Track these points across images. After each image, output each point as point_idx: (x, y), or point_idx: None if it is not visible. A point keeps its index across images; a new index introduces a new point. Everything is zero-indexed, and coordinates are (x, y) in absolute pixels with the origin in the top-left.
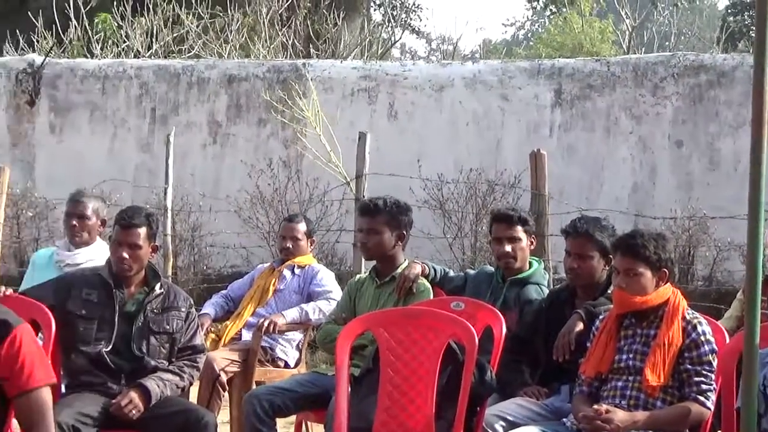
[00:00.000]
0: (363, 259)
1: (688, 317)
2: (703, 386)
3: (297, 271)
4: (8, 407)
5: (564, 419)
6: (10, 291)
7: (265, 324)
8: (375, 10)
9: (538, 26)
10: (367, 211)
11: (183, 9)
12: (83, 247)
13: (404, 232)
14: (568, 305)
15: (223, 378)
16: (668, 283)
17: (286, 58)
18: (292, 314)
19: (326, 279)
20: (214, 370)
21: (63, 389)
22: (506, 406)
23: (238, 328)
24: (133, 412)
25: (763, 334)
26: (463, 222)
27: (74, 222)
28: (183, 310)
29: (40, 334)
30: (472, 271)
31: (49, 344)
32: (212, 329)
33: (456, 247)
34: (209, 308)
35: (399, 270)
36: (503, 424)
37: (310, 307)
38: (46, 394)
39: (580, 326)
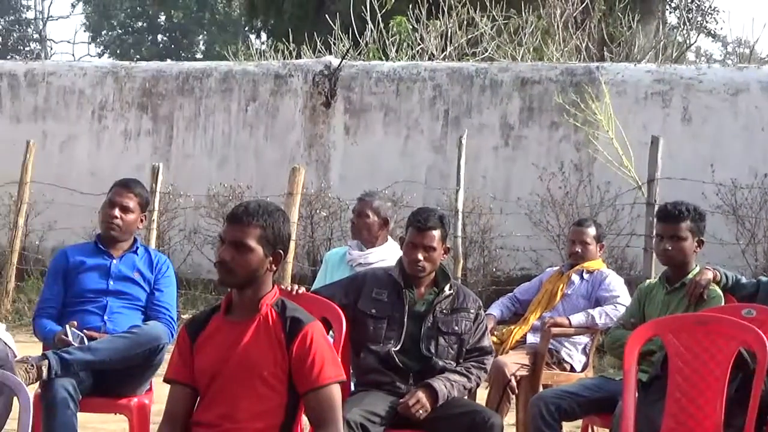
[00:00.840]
0: (653, 264)
1: None
2: None
3: (586, 276)
4: (298, 403)
5: None
6: (302, 289)
7: (549, 322)
8: (670, 12)
9: None
10: (671, 217)
11: (477, 11)
12: (370, 245)
13: (703, 239)
14: None
15: (514, 383)
16: None
17: (579, 61)
18: (578, 318)
19: (615, 284)
20: (505, 375)
21: (352, 387)
22: None
23: (524, 332)
24: (420, 411)
25: None
26: (756, 228)
27: (353, 219)
28: (472, 311)
29: (330, 332)
30: (765, 278)
31: (339, 342)
32: (495, 331)
33: (749, 253)
34: (495, 309)
35: (690, 276)
36: None
37: (597, 311)
38: (336, 391)
39: None
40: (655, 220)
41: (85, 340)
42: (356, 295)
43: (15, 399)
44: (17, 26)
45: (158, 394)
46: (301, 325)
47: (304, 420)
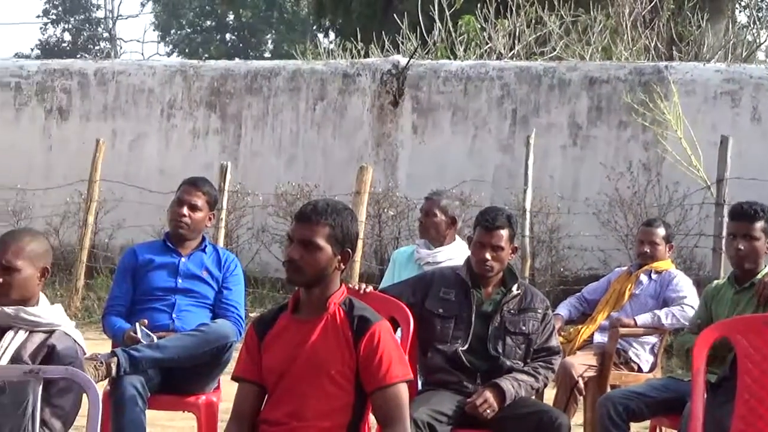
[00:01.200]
0: (722, 265)
1: None
2: None
3: (654, 276)
4: (366, 402)
5: None
6: (370, 288)
7: (615, 323)
8: (740, 11)
9: None
10: (745, 216)
11: (545, 10)
12: (438, 244)
13: None
14: None
15: (581, 384)
16: None
17: (648, 60)
18: (644, 319)
19: (682, 284)
20: (572, 376)
21: (419, 386)
22: None
23: (591, 332)
24: (488, 411)
25: None
26: None
27: (421, 218)
28: (539, 311)
29: (398, 331)
30: None
31: (406, 341)
32: (562, 331)
33: None
34: (563, 309)
35: (759, 276)
36: None
37: (663, 312)
38: (403, 391)
39: None
40: (726, 219)
41: (155, 339)
42: (424, 294)
43: (84, 396)
44: (87, 25)
45: (226, 392)
46: (369, 323)
47: (372, 419)
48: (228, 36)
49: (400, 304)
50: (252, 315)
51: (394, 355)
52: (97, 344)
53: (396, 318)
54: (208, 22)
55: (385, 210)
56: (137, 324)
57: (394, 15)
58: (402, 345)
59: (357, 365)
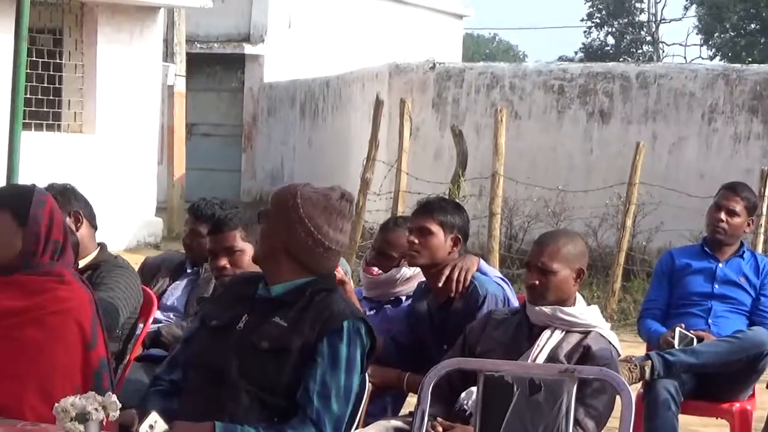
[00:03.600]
0: None
1: None
2: None
3: None
4: None
5: None
6: None
7: None
8: None
9: None
10: None
11: None
12: None
13: None
14: None
15: None
16: None
17: None
18: None
19: None
20: None
21: None
22: None
23: None
24: None
25: None
26: None
27: None
28: None
29: None
30: None
31: None
32: None
33: None
34: None
35: None
36: None
37: None
38: None
39: None
40: None
41: (695, 341)
42: None
43: (617, 398)
44: (630, 29)
45: (761, 400)
46: None
47: None
48: None
49: None
50: None
51: None
52: (631, 347)
53: None
54: (753, 25)
55: None
56: (677, 327)
57: None
58: None
59: None
